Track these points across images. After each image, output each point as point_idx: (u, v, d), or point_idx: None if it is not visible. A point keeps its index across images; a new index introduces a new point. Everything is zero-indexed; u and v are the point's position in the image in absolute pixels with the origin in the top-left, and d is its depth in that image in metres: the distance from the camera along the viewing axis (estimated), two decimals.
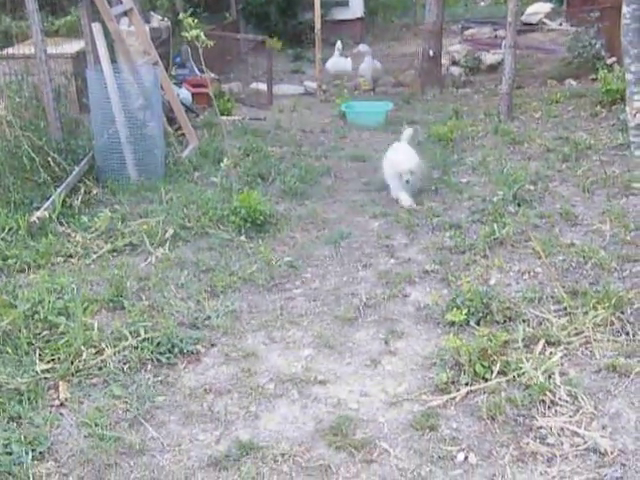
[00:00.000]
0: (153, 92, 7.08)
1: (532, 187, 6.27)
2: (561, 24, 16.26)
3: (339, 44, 11.52)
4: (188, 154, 7.56)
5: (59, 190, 6.01)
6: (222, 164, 6.15)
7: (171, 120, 8.06)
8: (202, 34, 5.88)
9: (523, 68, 11.20)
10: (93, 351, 4.04)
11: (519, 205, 5.95)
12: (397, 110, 9.55)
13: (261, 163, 7.32)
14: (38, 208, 5.75)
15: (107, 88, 6.74)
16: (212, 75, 10.59)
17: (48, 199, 5.88)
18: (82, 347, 4.03)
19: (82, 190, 6.41)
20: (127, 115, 6.83)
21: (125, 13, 7.66)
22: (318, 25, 10.75)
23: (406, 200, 6.25)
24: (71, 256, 5.27)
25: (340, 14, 15.34)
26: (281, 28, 14.53)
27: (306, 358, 4.15)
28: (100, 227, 5.65)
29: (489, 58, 12.35)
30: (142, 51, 7.67)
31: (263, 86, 10.54)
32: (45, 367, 3.88)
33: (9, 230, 5.43)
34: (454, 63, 12.57)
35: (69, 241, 5.44)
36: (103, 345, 4.09)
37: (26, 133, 6.37)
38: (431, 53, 10.61)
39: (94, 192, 6.49)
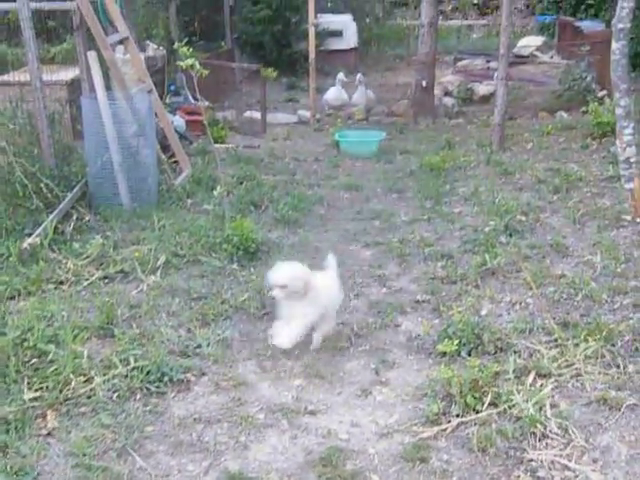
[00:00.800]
0: (147, 119, 7.11)
1: (523, 218, 6.31)
2: (552, 57, 16.44)
3: (341, 75, 11.59)
4: (181, 181, 7.58)
5: (51, 217, 6.01)
6: (215, 192, 6.15)
7: (165, 147, 8.07)
8: (197, 63, 5.91)
9: (515, 99, 11.29)
10: (82, 379, 4.01)
11: (510, 235, 5.98)
12: (390, 139, 9.60)
13: (254, 191, 7.34)
14: (30, 235, 5.74)
15: (101, 115, 6.77)
16: (206, 103, 10.64)
17: (40, 225, 5.87)
18: (71, 375, 4.00)
19: (74, 217, 6.41)
20: (121, 142, 6.84)
21: (121, 41, 7.71)
22: (312, 55, 10.84)
23: (278, 335, 4.37)
24: (62, 283, 5.25)
25: (334, 44, 15.45)
26: (275, 57, 14.63)
27: (297, 388, 4.13)
28: (92, 254, 5.64)
29: (482, 89, 12.45)
30: (137, 79, 7.71)
31: (257, 114, 10.60)
32: (33, 395, 3.85)
33: (0, 257, 5.42)
34: (447, 94, 12.66)
35: (60, 268, 5.43)
36: (92, 373, 4.07)
37: (19, 160, 6.37)
38: (424, 84, 10.69)
39: (86, 219, 6.49)
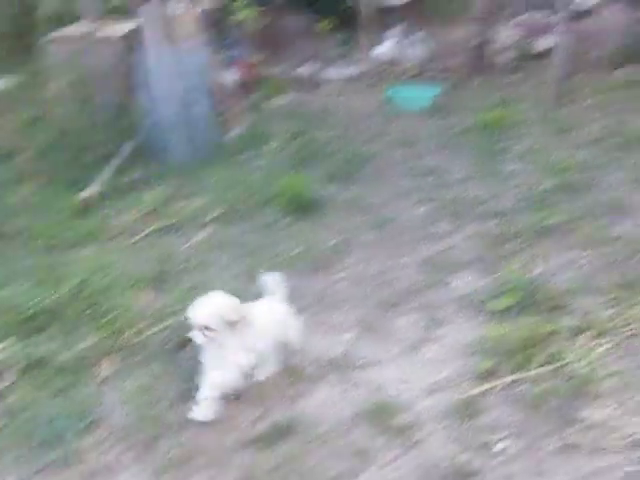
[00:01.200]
0: (201, 74, 7.12)
1: (580, 176, 6.15)
2: (617, 10, 15.86)
3: (395, 30, 11.39)
4: (234, 137, 7.59)
5: (107, 170, 6.09)
6: (268, 147, 6.15)
7: (218, 102, 8.08)
8: (252, 15, 5.86)
9: (576, 54, 10.93)
10: (135, 329, 4.10)
11: (566, 194, 5.85)
12: (444, 95, 9.42)
13: (307, 147, 7.30)
14: (85, 187, 5.83)
15: (156, 69, 6.80)
16: (260, 57, 10.60)
17: (96, 179, 5.96)
18: (125, 325, 4.09)
19: (129, 170, 6.49)
20: (174, 97, 6.88)
21: None
22: (365, 8, 10.66)
23: (198, 410, 3.48)
24: (117, 235, 5.34)
25: None
26: (331, 11, 14.41)
27: (347, 342, 4.15)
28: (146, 207, 5.72)
29: (541, 44, 12.08)
30: (191, 33, 7.68)
31: (311, 69, 10.50)
32: (88, 344, 3.95)
33: (58, 209, 5.52)
34: (504, 49, 12.36)
35: (115, 220, 5.52)
36: (145, 324, 4.15)
37: (77, 112, 6.45)
38: (480, 39, 10.44)
39: (141, 172, 6.57)
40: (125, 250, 5.10)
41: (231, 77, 9.37)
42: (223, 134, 7.62)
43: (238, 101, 8.97)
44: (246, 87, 9.58)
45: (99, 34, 7.47)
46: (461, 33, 13.57)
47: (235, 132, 7.72)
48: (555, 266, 4.81)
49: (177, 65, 7.00)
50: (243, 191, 6.02)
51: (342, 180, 6.51)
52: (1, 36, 8.72)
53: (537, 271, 4.72)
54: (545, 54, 11.78)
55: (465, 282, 4.74)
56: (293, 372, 3.85)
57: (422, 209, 5.95)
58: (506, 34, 12.96)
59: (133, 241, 5.28)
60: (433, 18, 16.00)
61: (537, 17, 14.84)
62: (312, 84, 10.32)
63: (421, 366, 3.92)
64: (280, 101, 9.31)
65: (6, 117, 6.36)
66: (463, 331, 4.20)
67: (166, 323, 4.18)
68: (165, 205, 5.78)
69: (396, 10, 15.26)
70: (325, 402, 3.66)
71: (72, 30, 7.67)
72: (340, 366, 3.92)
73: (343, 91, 9.98)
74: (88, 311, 4.21)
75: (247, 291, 4.34)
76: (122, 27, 7.85)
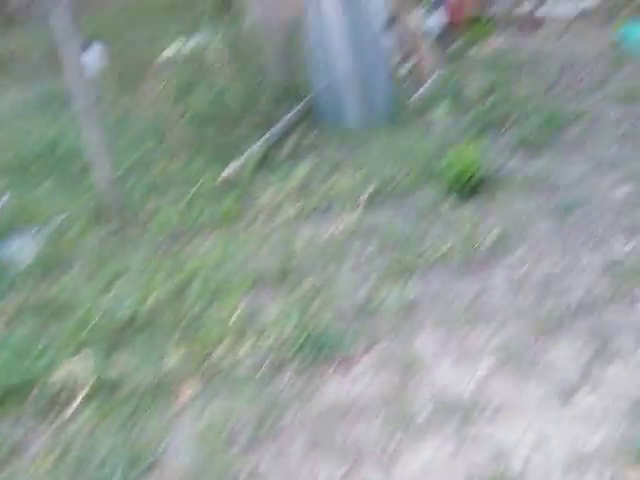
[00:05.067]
0: (382, 22, 6.30)
1: None
2: None
3: None
4: (421, 94, 6.72)
5: (261, 140, 5.56)
6: (452, 107, 5.26)
7: (409, 53, 7.24)
8: None
9: None
10: (230, 344, 3.54)
11: None
12: None
13: (500, 106, 6.24)
14: (233, 161, 5.36)
15: (330, 20, 6.11)
16: None
17: (247, 151, 5.46)
18: (220, 339, 3.55)
19: (294, 138, 5.91)
20: (350, 51, 6.16)
21: None
22: None
23: None
24: (252, 220, 4.81)
25: None
26: None
27: (480, 376, 3.29)
28: (294, 184, 5.12)
29: None
30: None
31: (531, 5, 9.17)
32: (172, 363, 3.46)
33: (198, 188, 5.09)
34: None
35: (256, 201, 4.98)
36: (244, 337, 3.58)
37: (238, 74, 5.97)
38: None
39: (307, 139, 5.97)
40: (255, 238, 4.55)
41: (437, 20, 8.42)
42: (412, 91, 6.78)
43: (438, 49, 8.05)
44: (454, 31, 8.57)
45: None
46: None
47: (422, 89, 6.83)
48: None
49: (353, 12, 6.24)
50: (406, 165, 5.20)
51: (530, 149, 5.43)
52: None
53: None
54: None
55: None
56: (402, 416, 3.09)
57: (625, 189, 4.74)
58: None
59: (269, 227, 4.71)
60: None
61: None
62: (532, 23, 9.01)
63: (568, 423, 2.96)
64: (487, 47, 8.19)
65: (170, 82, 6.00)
66: None
67: (268, 339, 3.57)
68: (316, 181, 5.14)
69: None
70: (430, 463, 2.87)
71: None
72: (461, 411, 3.08)
73: (566, 31, 8.59)
74: (184, 321, 3.71)
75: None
76: None
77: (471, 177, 4.84)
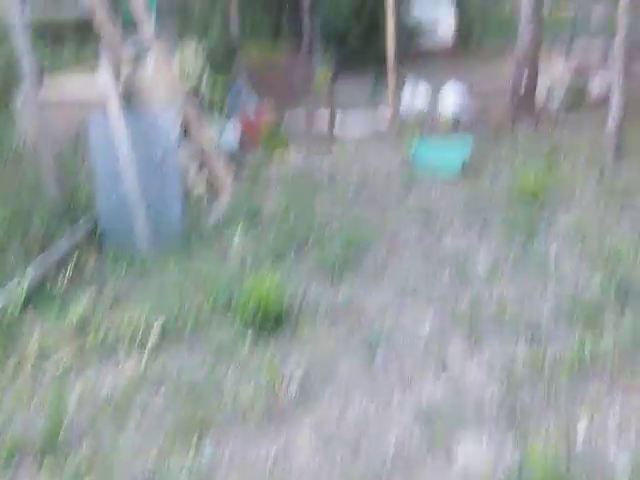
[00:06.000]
0: (172, 142, 5.88)
1: None
2: None
3: (415, 80, 10.11)
4: (217, 213, 6.32)
5: (30, 270, 4.82)
6: (250, 228, 4.89)
7: (204, 168, 6.86)
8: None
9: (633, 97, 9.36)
10: None
11: (624, 304, 4.35)
12: (481, 151, 8.02)
13: (302, 223, 5.99)
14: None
15: (116, 137, 5.61)
16: (272, 106, 9.39)
17: (13, 283, 4.71)
18: None
19: (72, 264, 5.23)
20: (140, 171, 5.66)
21: (148, 47, 6.52)
22: (391, 54, 9.37)
23: None
24: (18, 369, 4.05)
25: (428, 39, 13.90)
26: (361, 52, 13.21)
27: None
28: (74, 318, 4.43)
29: (596, 85, 10.60)
30: (170, 90, 6.50)
31: (326, 121, 9.20)
32: None
33: None
34: (554, 90, 10.87)
35: (23, 344, 4.24)
36: None
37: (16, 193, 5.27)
38: (525, 82, 9.02)
39: (88, 266, 5.31)
40: (17, 395, 3.80)
41: (232, 135, 8.17)
42: (207, 211, 6.37)
43: (235, 163, 7.78)
44: (250, 146, 8.36)
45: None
46: (506, 72, 12.16)
47: (219, 207, 6.45)
48: (607, 430, 3.33)
49: (145, 131, 5.79)
50: (200, 295, 4.70)
51: (334, 274, 5.14)
52: None
53: (579, 439, 3.26)
54: (601, 98, 10.31)
55: (475, 451, 3.30)
56: None
57: (430, 317, 4.52)
58: (555, 72, 11.47)
59: (36, 380, 3.97)
60: (477, 56, 14.65)
61: (594, 49, 13.31)
62: (327, 138, 9.01)
63: None
64: (285, 164, 8.02)
65: None
66: None
67: None
68: (97, 318, 4.47)
69: (435, 51, 13.98)
70: None
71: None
72: None
73: (361, 147, 8.64)
74: None
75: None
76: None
77: (271, 309, 4.42)
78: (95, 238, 5.60)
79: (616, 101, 7.00)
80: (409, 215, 6.33)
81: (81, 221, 5.65)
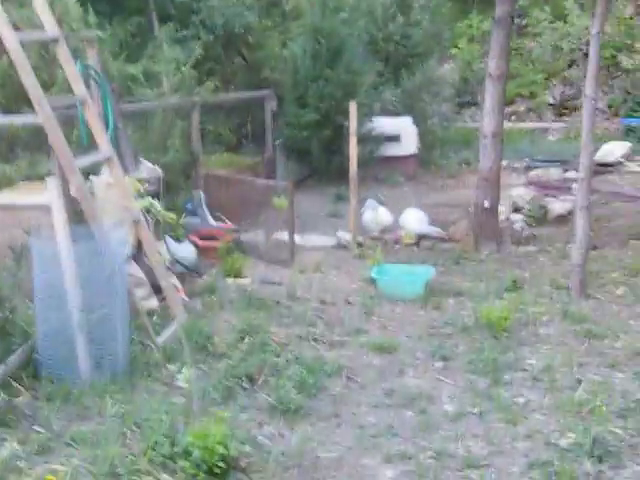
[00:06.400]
0: (119, 264, 5.55)
1: (619, 429, 4.32)
2: None
3: (375, 197, 10.05)
4: (167, 338, 5.92)
5: None
6: (182, 374, 4.51)
7: (156, 288, 6.51)
8: (155, 204, 4.37)
9: (598, 221, 9.35)
10: None
11: (600, 461, 4.03)
12: (442, 274, 7.83)
13: (254, 354, 5.62)
14: None
15: (58, 259, 5.25)
16: (230, 224, 9.16)
17: None
18: None
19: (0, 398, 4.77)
20: (85, 289, 5.29)
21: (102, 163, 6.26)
22: (353, 168, 9.26)
23: None
24: None
25: (391, 150, 13.90)
26: (324, 164, 13.14)
27: None
28: None
29: (557, 207, 10.59)
30: (122, 207, 6.21)
31: (285, 238, 8.94)
32: None
33: None
34: (516, 210, 10.84)
35: None
36: None
37: None
38: (486, 204, 8.94)
39: (19, 400, 4.86)
40: None
41: (186, 250, 7.86)
42: (157, 335, 5.97)
43: (192, 281, 7.46)
44: (204, 263, 8.05)
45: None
46: (469, 188, 12.14)
47: (168, 332, 6.05)
48: None
49: (91, 252, 5.45)
50: (141, 441, 4.26)
51: (285, 414, 4.76)
52: None
53: None
54: (563, 219, 10.31)
55: None
56: None
57: (390, 475, 4.14)
58: (517, 193, 11.49)
59: None
60: (440, 170, 14.71)
61: (552, 172, 13.46)
62: (286, 256, 8.74)
63: None
64: (242, 280, 7.70)
65: None
66: None
67: None
68: (17, 468, 4.00)
69: (398, 161, 13.97)
70: None
71: None
72: None
73: (322, 265, 8.38)
74: None
75: None
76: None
77: (216, 459, 4.01)
78: (30, 368, 5.16)
79: (579, 238, 6.87)
80: (370, 343, 6.00)
81: (16, 348, 5.22)
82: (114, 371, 5.30)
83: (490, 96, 8.92)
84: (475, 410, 4.79)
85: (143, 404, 4.79)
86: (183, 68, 9.42)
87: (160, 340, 5.88)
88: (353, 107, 9.09)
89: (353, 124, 9.12)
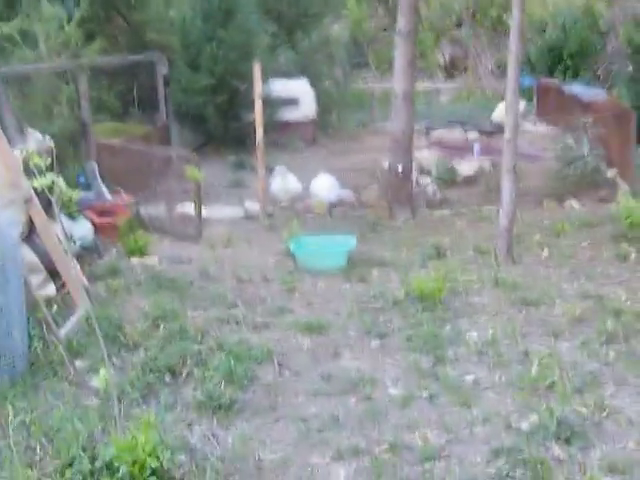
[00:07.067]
0: (10, 249, 4.83)
1: (584, 407, 4.06)
2: (535, 124, 14.67)
3: (284, 170, 9.56)
4: (69, 330, 5.26)
5: None
6: (96, 376, 3.93)
7: (53, 274, 5.80)
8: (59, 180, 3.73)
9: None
10: None
11: (568, 443, 3.75)
12: (361, 243, 7.43)
13: (173, 343, 5.06)
14: None
15: None
16: (128, 197, 8.44)
17: None
18: None
19: None
20: None
21: None
22: (260, 133, 8.73)
23: None
24: None
25: (289, 114, 13.39)
26: (221, 131, 12.52)
27: None
28: None
29: (465, 168, 10.44)
30: (9, 184, 5.45)
31: (192, 209, 8.34)
32: None
33: None
34: (423, 172, 10.61)
35: None
36: None
37: None
38: (399, 168, 8.62)
39: None
40: None
41: (84, 229, 7.14)
42: (59, 325, 5.29)
43: (92, 262, 6.76)
44: (104, 241, 7.34)
45: None
46: (369, 150, 11.81)
47: (71, 323, 5.38)
48: None
49: None
50: (53, 457, 3.67)
51: (217, 412, 4.25)
52: None
53: None
54: (471, 180, 10.16)
55: None
56: None
57: (343, 474, 3.72)
58: (422, 155, 11.26)
59: None
60: (338, 132, 14.35)
61: (454, 133, 13.36)
62: (193, 231, 8.14)
63: None
64: (148, 260, 7.06)
65: None
66: None
67: None
68: None
69: (297, 126, 13.50)
70: None
71: None
72: None
73: (233, 239, 7.83)
74: None
75: None
76: None
77: (149, 475, 3.47)
78: None
79: (505, 202, 6.63)
80: (297, 323, 5.54)
81: None
82: (12, 373, 4.64)
83: (400, 54, 8.55)
84: (424, 394, 4.42)
85: (51, 410, 4.17)
86: (66, 27, 8.53)
87: (63, 333, 5.21)
88: (257, 68, 8.54)
89: (258, 87, 8.58)
